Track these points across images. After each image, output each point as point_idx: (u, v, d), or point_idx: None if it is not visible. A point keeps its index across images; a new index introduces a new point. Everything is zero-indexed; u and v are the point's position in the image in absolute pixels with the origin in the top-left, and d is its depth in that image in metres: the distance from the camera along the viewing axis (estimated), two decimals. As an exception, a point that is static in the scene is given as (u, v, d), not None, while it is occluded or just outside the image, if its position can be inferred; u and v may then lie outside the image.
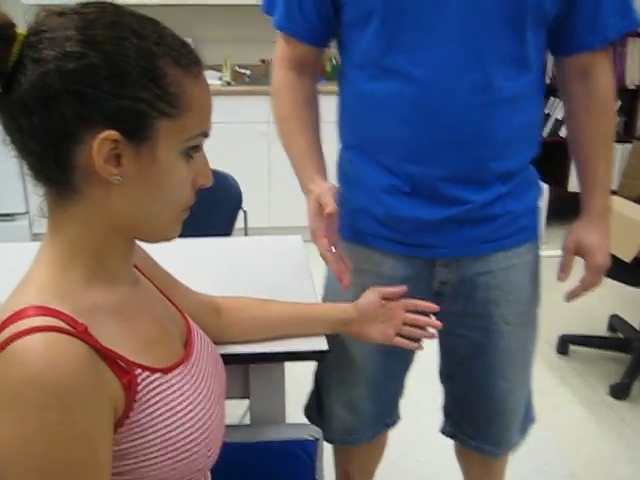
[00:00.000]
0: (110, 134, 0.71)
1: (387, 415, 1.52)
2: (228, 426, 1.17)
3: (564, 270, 1.29)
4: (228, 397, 1.08)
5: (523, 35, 1.10)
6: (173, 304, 0.99)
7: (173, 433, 0.80)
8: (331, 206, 1.09)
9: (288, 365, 1.27)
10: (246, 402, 1.32)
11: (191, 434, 0.82)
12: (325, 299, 1.39)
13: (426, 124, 1.11)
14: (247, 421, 1.36)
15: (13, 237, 3.66)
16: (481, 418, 1.44)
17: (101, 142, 0.72)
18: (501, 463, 1.60)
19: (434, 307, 1.23)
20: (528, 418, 1.52)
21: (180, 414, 0.81)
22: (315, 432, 1.26)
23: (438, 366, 1.47)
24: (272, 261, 1.56)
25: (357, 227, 1.27)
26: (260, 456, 1.24)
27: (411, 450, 2.26)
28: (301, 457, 1.24)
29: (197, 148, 0.80)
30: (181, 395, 0.83)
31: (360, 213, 1.26)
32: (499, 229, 1.23)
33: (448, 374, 1.46)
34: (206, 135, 0.80)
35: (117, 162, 0.74)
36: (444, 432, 1.54)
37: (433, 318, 1.28)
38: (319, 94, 1.31)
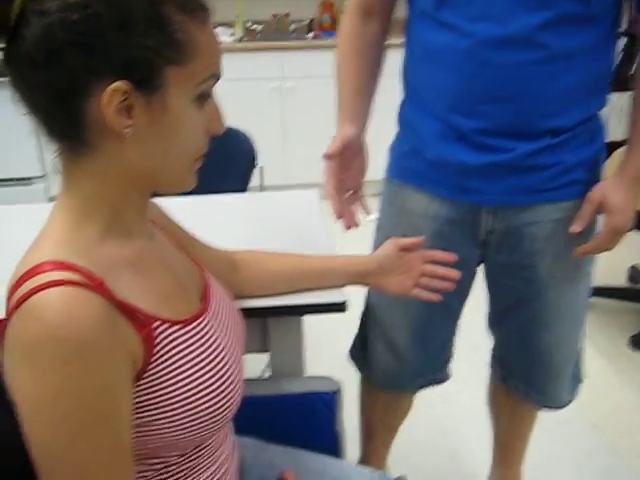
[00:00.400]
0: (119, 85, 0.70)
1: (433, 370, 1.53)
2: (248, 380, 1.18)
3: (578, 220, 1.24)
4: (247, 351, 1.08)
5: None
6: (190, 258, 0.99)
7: (192, 385, 0.80)
8: (330, 150, 1.15)
9: (306, 318, 1.27)
10: (266, 359, 1.33)
11: (210, 385, 0.82)
12: (377, 238, 1.42)
13: (473, 78, 1.12)
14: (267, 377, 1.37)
15: (30, 201, 3.66)
16: (528, 367, 1.46)
17: (111, 94, 0.70)
18: (533, 417, 1.63)
19: (451, 257, 1.22)
20: (577, 378, 1.52)
21: (199, 366, 0.82)
22: (335, 384, 1.26)
23: (487, 312, 1.48)
24: (288, 216, 1.55)
25: (407, 168, 1.31)
26: (280, 409, 1.25)
27: (435, 410, 2.28)
28: (321, 409, 1.24)
29: (208, 94, 0.78)
30: (200, 347, 0.83)
31: (411, 155, 1.29)
32: (548, 180, 1.21)
33: (496, 321, 1.48)
34: (217, 77, 0.78)
35: (128, 114, 0.73)
36: (494, 377, 1.58)
37: (480, 267, 1.29)
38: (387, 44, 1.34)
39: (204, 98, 0.78)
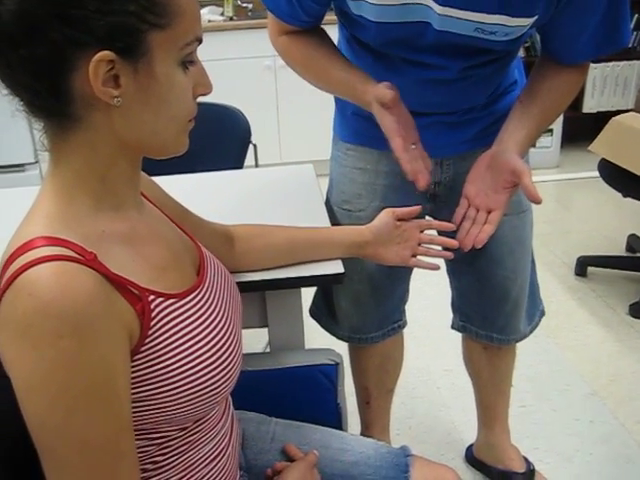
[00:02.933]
0: (104, 55, 0.69)
1: (393, 316, 1.62)
2: (247, 355, 1.18)
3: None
4: (246, 326, 1.09)
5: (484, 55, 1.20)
6: (185, 232, 0.98)
7: (190, 358, 0.79)
8: (389, 94, 1.14)
9: (303, 292, 1.27)
10: (266, 337, 1.33)
11: (208, 358, 0.81)
12: (332, 198, 1.49)
13: (416, 94, 1.24)
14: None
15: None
16: (487, 307, 1.55)
17: (96, 64, 0.69)
18: (508, 357, 1.68)
19: (450, 226, 1.23)
20: (535, 308, 1.62)
21: (196, 339, 0.81)
22: (335, 356, 1.27)
23: (445, 263, 1.54)
24: (284, 191, 1.55)
25: (355, 130, 1.40)
26: (281, 382, 1.25)
27: (431, 375, 2.30)
28: (322, 382, 1.24)
29: (192, 58, 0.78)
30: (196, 320, 0.82)
31: (357, 117, 1.38)
32: (482, 130, 1.34)
33: (453, 270, 1.57)
34: (200, 40, 0.77)
35: (115, 83, 0.71)
36: (454, 326, 1.66)
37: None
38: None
39: (189, 61, 0.77)
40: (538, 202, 1.12)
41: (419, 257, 1.25)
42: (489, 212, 1.22)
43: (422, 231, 1.24)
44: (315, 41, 1.28)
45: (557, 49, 1.21)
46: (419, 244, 1.24)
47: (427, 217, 1.43)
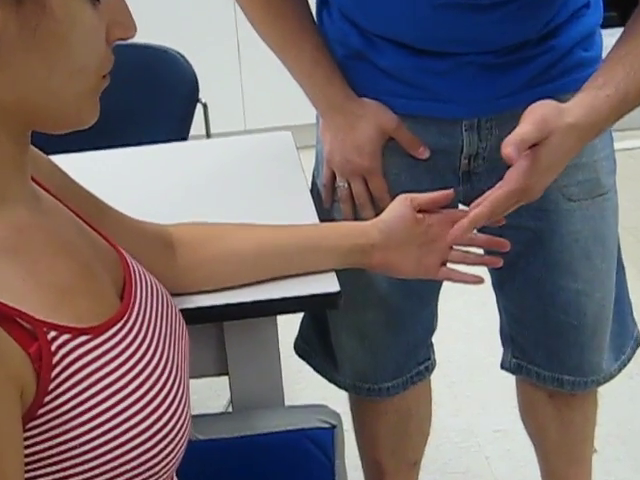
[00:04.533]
0: None
1: (416, 354, 1.62)
2: (199, 417, 1.16)
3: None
4: (197, 375, 1.09)
5: None
6: (103, 237, 0.98)
7: (110, 425, 0.79)
8: (423, 148, 1.31)
9: (282, 322, 1.27)
10: (226, 389, 1.33)
11: (137, 424, 0.81)
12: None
13: (435, 25, 1.27)
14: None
15: None
16: (553, 336, 1.53)
17: None
18: (587, 408, 1.68)
19: (499, 218, 1.22)
20: (625, 335, 1.61)
21: (119, 395, 0.80)
22: (331, 416, 1.27)
23: (489, 273, 1.54)
24: (249, 171, 1.56)
25: (352, 81, 1.41)
26: (250, 456, 1.25)
27: (473, 435, 2.31)
28: (312, 454, 1.25)
29: None
30: (119, 367, 0.82)
31: (353, 61, 1.40)
32: (538, 74, 1.34)
33: (501, 282, 1.56)
34: None
35: None
36: (505, 366, 1.65)
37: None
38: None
39: None
40: (506, 156, 1.13)
41: (451, 266, 1.25)
42: None
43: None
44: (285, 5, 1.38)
45: None
46: (451, 246, 1.23)
47: (460, 206, 1.44)
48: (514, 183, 1.17)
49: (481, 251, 1.32)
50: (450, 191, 1.26)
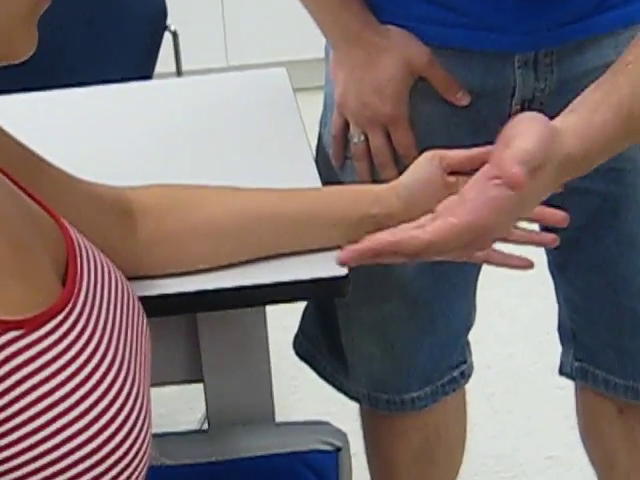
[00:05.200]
0: None
1: (449, 357, 1.65)
2: (165, 436, 1.16)
3: None
4: (162, 382, 1.09)
5: None
6: (40, 203, 0.98)
7: (47, 445, 0.79)
8: (462, 91, 1.34)
9: (274, 313, 1.28)
10: (200, 401, 1.34)
11: (82, 445, 0.80)
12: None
13: None
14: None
15: None
16: (626, 334, 1.55)
17: None
18: None
19: (561, 217, 1.21)
20: None
21: (58, 408, 0.80)
22: (334, 436, 1.27)
23: (545, 254, 1.55)
24: (232, 118, 1.56)
25: (381, 5, 1.41)
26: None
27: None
28: (309, 481, 1.26)
29: None
30: (58, 372, 0.81)
31: None
32: None
33: (560, 265, 1.58)
34: None
35: None
36: (565, 370, 1.68)
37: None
38: None
39: None
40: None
41: (494, 246, 1.24)
42: None
43: None
44: None
45: None
46: None
47: None
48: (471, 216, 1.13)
49: (534, 226, 1.30)
50: (488, 148, 1.22)
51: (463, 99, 1.36)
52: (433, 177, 1.21)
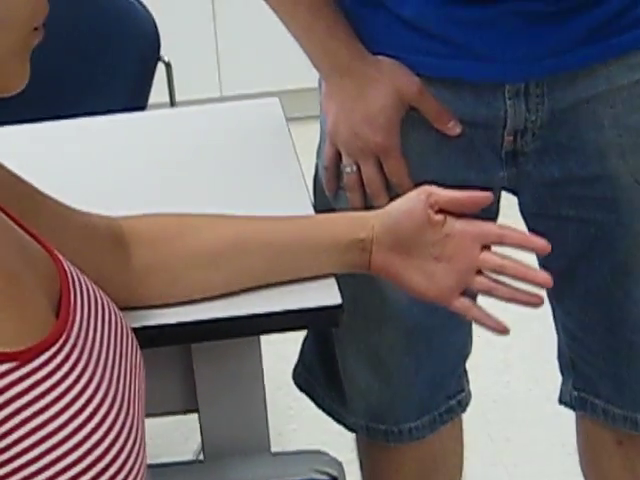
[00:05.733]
0: None
1: (446, 387, 1.63)
2: (164, 466, 1.15)
3: None
4: (157, 412, 1.09)
5: None
6: (33, 236, 0.97)
7: (42, 476, 0.78)
8: (453, 121, 1.31)
9: (270, 343, 1.29)
10: (196, 432, 1.34)
11: (79, 475, 0.80)
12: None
13: None
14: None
15: None
16: (623, 363, 1.54)
17: None
18: None
19: (543, 246, 1.19)
20: None
21: (51, 440, 0.80)
22: (331, 465, 1.27)
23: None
24: (225, 148, 1.57)
25: (367, 33, 1.41)
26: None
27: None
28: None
29: None
30: (51, 405, 0.81)
31: (365, 9, 1.40)
32: (603, 22, 1.31)
33: (557, 293, 1.52)
34: None
35: None
36: (565, 400, 1.67)
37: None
38: None
39: None
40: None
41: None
42: None
43: (487, 247, 1.21)
44: None
45: None
46: (478, 271, 1.21)
47: (503, 194, 1.44)
48: None
49: (533, 259, 1.29)
50: (487, 194, 1.21)
51: (454, 129, 1.35)
52: (417, 211, 1.20)
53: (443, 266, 1.20)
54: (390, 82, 1.35)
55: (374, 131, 1.36)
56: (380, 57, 1.37)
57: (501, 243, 1.20)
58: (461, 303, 1.21)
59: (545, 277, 1.20)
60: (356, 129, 1.38)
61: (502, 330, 1.22)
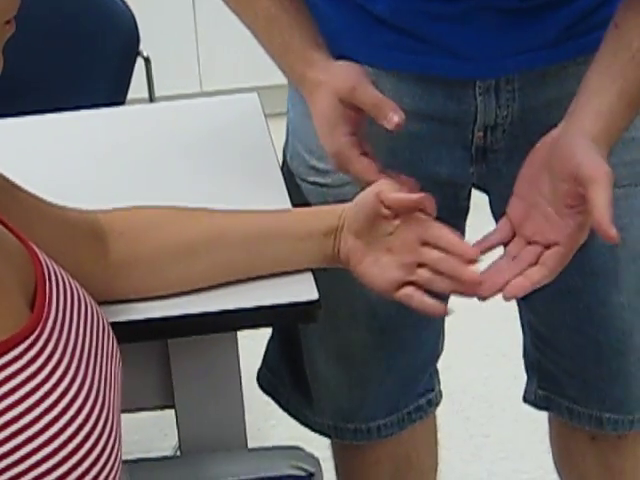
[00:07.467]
0: None
1: (417, 384, 1.64)
2: (140, 462, 1.15)
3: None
4: (133, 408, 1.10)
5: None
6: (8, 227, 0.97)
7: (12, 472, 0.78)
8: (392, 112, 1.24)
9: (246, 339, 1.29)
10: (172, 427, 1.34)
11: (47, 473, 0.80)
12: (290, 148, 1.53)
13: None
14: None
15: None
16: (589, 363, 1.54)
17: None
18: (634, 447, 1.66)
19: (470, 252, 1.19)
20: None
21: (24, 434, 0.79)
22: (307, 461, 1.26)
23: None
24: (204, 142, 1.56)
25: (335, 31, 1.39)
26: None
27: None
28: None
29: None
30: (25, 398, 0.81)
31: (338, 4, 1.39)
32: (576, 19, 1.33)
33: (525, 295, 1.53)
34: None
35: None
36: (530, 399, 1.68)
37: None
38: None
39: None
40: (612, 240, 1.14)
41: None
42: (547, 247, 1.23)
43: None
44: None
45: None
46: (420, 264, 1.21)
47: (474, 190, 1.47)
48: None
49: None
50: (428, 198, 1.21)
51: (392, 121, 1.28)
52: (369, 204, 1.21)
53: (391, 258, 1.22)
54: (329, 84, 1.32)
55: (324, 139, 1.34)
56: (332, 61, 1.34)
57: (436, 244, 1.20)
58: (403, 293, 1.21)
59: (471, 275, 1.20)
60: (322, 143, 1.36)
61: (442, 311, 1.23)
